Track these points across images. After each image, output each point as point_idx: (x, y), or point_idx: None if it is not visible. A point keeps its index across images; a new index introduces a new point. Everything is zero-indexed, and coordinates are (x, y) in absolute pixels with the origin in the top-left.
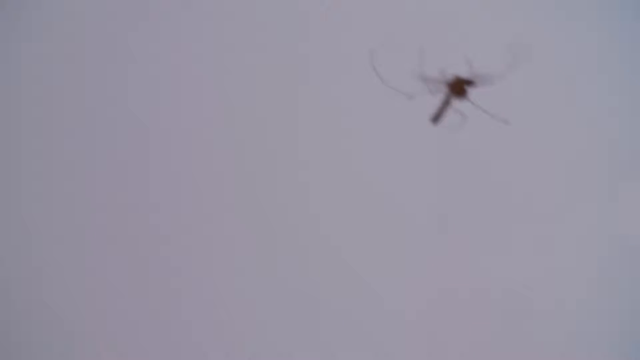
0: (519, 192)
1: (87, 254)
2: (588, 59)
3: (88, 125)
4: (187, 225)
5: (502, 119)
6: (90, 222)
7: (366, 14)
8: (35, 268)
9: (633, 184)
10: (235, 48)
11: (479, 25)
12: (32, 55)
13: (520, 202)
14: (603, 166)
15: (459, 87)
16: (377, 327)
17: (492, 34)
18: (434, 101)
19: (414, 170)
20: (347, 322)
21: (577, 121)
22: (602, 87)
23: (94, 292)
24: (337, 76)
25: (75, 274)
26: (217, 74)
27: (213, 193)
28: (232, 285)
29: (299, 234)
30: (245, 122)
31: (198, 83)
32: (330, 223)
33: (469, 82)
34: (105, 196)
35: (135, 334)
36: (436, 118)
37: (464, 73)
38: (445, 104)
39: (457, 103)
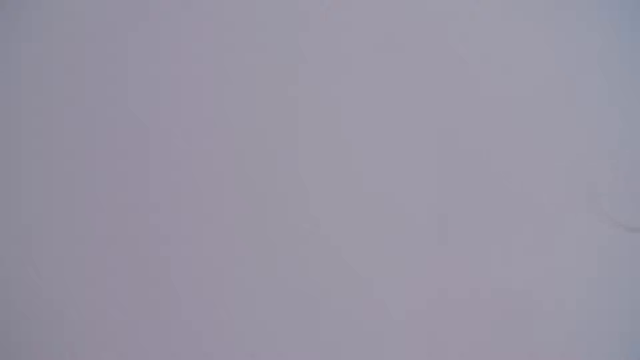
0: (519, 192)
1: (87, 254)
2: (588, 59)
3: (88, 125)
4: (187, 225)
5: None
6: (90, 222)
7: (367, 12)
8: (35, 268)
9: (633, 184)
10: (235, 48)
11: (478, 24)
12: (32, 55)
13: (520, 202)
14: (603, 166)
15: None
16: (377, 327)
17: (492, 34)
18: None
19: (414, 170)
20: (347, 322)
21: (577, 121)
22: (602, 87)
23: (94, 292)
24: (337, 76)
25: (75, 274)
26: (217, 74)
27: (213, 193)
28: (232, 285)
29: (299, 234)
30: (245, 122)
31: (198, 83)
32: (330, 223)
33: None
34: (105, 196)
35: (135, 334)
36: None
37: None
38: None
39: None
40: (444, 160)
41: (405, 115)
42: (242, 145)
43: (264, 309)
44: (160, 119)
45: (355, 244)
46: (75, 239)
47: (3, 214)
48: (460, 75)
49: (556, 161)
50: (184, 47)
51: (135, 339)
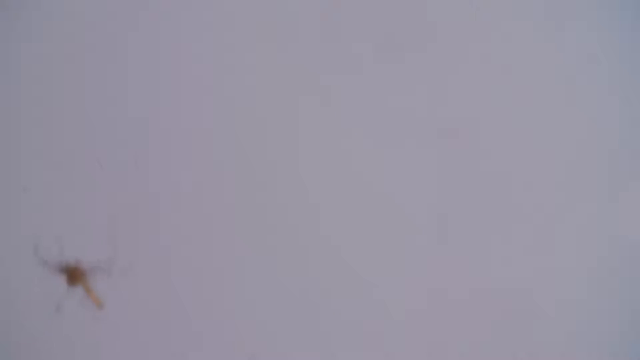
0: (518, 192)
1: (87, 254)
2: (588, 59)
3: (88, 125)
4: (187, 225)
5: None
6: (90, 222)
7: (366, 11)
8: (35, 268)
9: (633, 184)
10: (235, 48)
11: (478, 24)
12: (32, 55)
13: (520, 202)
14: (603, 166)
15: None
16: (377, 327)
17: (492, 33)
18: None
19: (413, 170)
20: (347, 322)
21: (577, 121)
22: (602, 87)
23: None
24: (337, 76)
25: None
26: (217, 74)
27: (213, 193)
28: (232, 285)
29: (299, 234)
30: (245, 122)
31: (198, 83)
32: (330, 223)
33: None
34: (105, 196)
35: (135, 334)
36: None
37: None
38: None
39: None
40: (443, 160)
41: (405, 113)
42: (242, 145)
43: (264, 309)
44: (160, 119)
45: (355, 244)
46: (75, 239)
47: (3, 213)
48: (460, 75)
49: (556, 161)
50: (184, 47)
51: (135, 339)
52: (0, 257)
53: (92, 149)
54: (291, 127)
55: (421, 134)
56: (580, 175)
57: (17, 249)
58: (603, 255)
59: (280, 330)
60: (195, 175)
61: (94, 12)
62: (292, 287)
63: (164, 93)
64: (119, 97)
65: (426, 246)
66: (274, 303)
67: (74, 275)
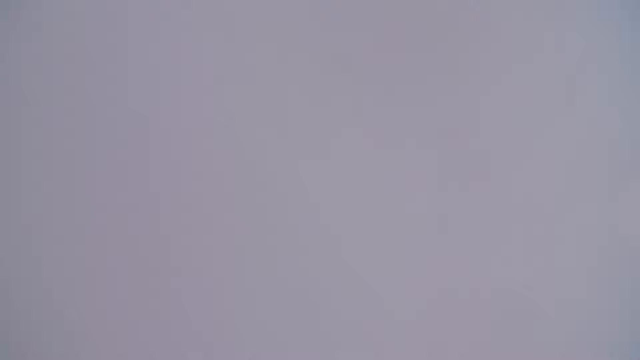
0: (519, 192)
1: (87, 254)
2: (588, 59)
3: (88, 125)
4: (187, 225)
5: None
6: (90, 222)
7: (365, 12)
8: (35, 268)
9: (633, 183)
10: (235, 48)
11: (478, 23)
12: (32, 55)
13: (520, 202)
14: (603, 166)
15: None
16: (377, 327)
17: (492, 33)
18: None
19: (414, 170)
20: (347, 322)
21: (577, 121)
22: (602, 87)
23: (94, 291)
24: (337, 76)
25: (75, 274)
26: (217, 73)
27: (213, 193)
28: (232, 285)
29: (299, 234)
30: (245, 122)
31: (198, 83)
32: (330, 223)
33: None
34: (105, 196)
35: (135, 333)
36: None
37: None
38: None
39: None
40: (444, 160)
41: (405, 113)
42: (242, 145)
43: (264, 309)
44: (160, 119)
45: (356, 244)
46: (75, 239)
47: (3, 214)
48: (459, 75)
49: (556, 161)
50: (184, 47)
51: (135, 339)
52: (0, 257)
53: (92, 149)
54: (291, 127)
55: (422, 134)
56: (580, 175)
57: (17, 249)
58: (603, 255)
59: (280, 330)
60: (196, 175)
61: (94, 12)
62: (292, 287)
63: (164, 92)
64: (119, 97)
65: (426, 246)
66: (274, 303)
67: None
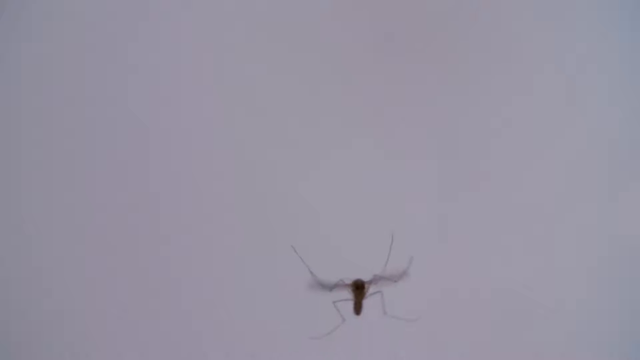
0: (519, 192)
1: (87, 254)
2: (588, 59)
3: (88, 125)
4: (187, 225)
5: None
6: (90, 223)
7: (362, 13)
8: (35, 268)
9: (633, 184)
10: (235, 48)
11: (478, 23)
12: (32, 55)
13: (520, 202)
14: (603, 166)
15: (359, 289)
16: (377, 327)
17: (492, 33)
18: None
19: (414, 169)
20: (346, 322)
21: (577, 121)
22: (602, 87)
23: (94, 291)
24: (337, 76)
25: (75, 274)
26: (217, 73)
27: (213, 193)
28: (232, 285)
29: (299, 234)
30: (245, 122)
31: (198, 83)
32: (330, 223)
33: (364, 285)
34: (105, 196)
35: (135, 333)
36: (356, 310)
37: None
38: (357, 299)
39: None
40: (444, 160)
41: (405, 113)
42: (242, 145)
43: (264, 309)
44: (160, 119)
45: (356, 244)
46: (75, 240)
47: (3, 214)
48: (458, 76)
49: (556, 161)
50: (184, 47)
51: (135, 339)
52: (0, 257)
53: (92, 149)
54: (291, 127)
55: (422, 133)
56: (580, 175)
57: (17, 249)
58: (603, 255)
59: (280, 330)
60: (196, 176)
61: (94, 12)
62: (292, 287)
63: (163, 92)
64: (119, 97)
65: (426, 246)
66: (274, 303)
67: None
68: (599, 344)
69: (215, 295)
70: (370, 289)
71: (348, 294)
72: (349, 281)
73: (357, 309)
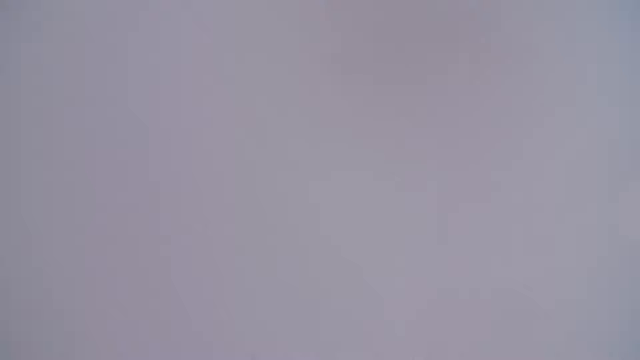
0: (519, 192)
1: (87, 254)
2: (588, 59)
3: (88, 125)
4: (187, 225)
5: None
6: (90, 222)
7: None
8: (35, 268)
9: (633, 183)
10: (235, 48)
11: (479, 22)
12: (32, 55)
13: (520, 202)
14: (603, 166)
15: None
16: (377, 327)
17: (493, 33)
18: None
19: (413, 170)
20: (347, 322)
21: (577, 121)
22: (602, 87)
23: (94, 291)
24: (337, 76)
25: (75, 274)
26: (217, 73)
27: (213, 193)
28: (232, 285)
29: (299, 234)
30: (245, 122)
31: (198, 83)
32: (330, 223)
33: None
34: (105, 196)
35: (135, 334)
36: None
37: None
38: None
39: None
40: (444, 160)
41: (404, 112)
42: (243, 145)
43: (264, 309)
44: (160, 119)
45: (356, 244)
46: (75, 239)
47: (3, 214)
48: (457, 76)
49: (556, 161)
50: (184, 47)
51: (135, 339)
52: (0, 257)
53: (92, 149)
54: (291, 127)
55: (421, 132)
56: (580, 175)
57: (17, 249)
58: (603, 255)
59: (280, 330)
60: (196, 176)
61: (94, 12)
62: (292, 287)
63: (163, 92)
64: (119, 97)
65: (426, 246)
66: (274, 303)
67: None
68: (599, 344)
69: (215, 295)
70: None
71: None
72: None
73: None
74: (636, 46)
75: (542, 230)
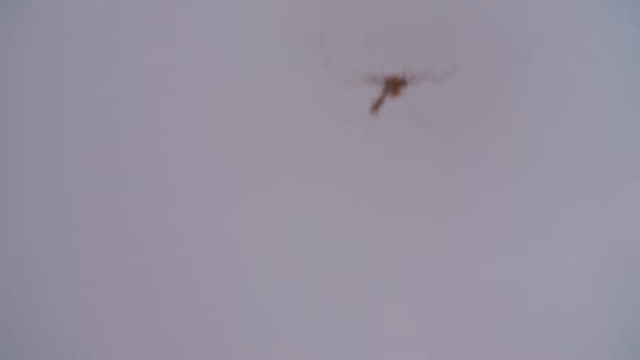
0: (518, 192)
1: (87, 254)
2: (588, 59)
3: (88, 125)
4: (187, 225)
5: (425, 123)
6: (90, 223)
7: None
8: (35, 268)
9: (633, 184)
10: (235, 48)
11: (479, 22)
12: (32, 55)
13: (519, 201)
14: (603, 166)
15: (394, 85)
16: (377, 327)
17: (493, 32)
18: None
19: (413, 168)
20: (346, 322)
21: (577, 121)
22: (602, 87)
23: (94, 292)
24: (335, 73)
25: (75, 274)
26: (217, 73)
27: (213, 193)
28: (232, 285)
29: (299, 234)
30: (245, 122)
31: (198, 83)
32: (330, 223)
33: (403, 82)
34: (105, 196)
35: (135, 334)
36: (374, 108)
37: (400, 73)
38: (382, 97)
39: (391, 98)
40: (443, 159)
41: (404, 114)
42: (243, 144)
43: (264, 309)
44: (160, 119)
45: (356, 244)
46: (75, 240)
47: (3, 214)
48: (459, 76)
49: (556, 161)
50: (184, 46)
51: (135, 339)
52: (0, 257)
53: (92, 149)
54: (291, 126)
55: (421, 133)
56: (580, 175)
57: (17, 249)
58: (603, 255)
59: (280, 331)
60: (196, 176)
61: (94, 12)
62: (292, 288)
63: (164, 92)
64: (119, 97)
65: (426, 246)
66: (274, 303)
67: (394, 84)
68: (599, 344)
69: (215, 295)
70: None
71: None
72: (381, 76)
73: (376, 105)
74: (636, 46)
75: (542, 230)
